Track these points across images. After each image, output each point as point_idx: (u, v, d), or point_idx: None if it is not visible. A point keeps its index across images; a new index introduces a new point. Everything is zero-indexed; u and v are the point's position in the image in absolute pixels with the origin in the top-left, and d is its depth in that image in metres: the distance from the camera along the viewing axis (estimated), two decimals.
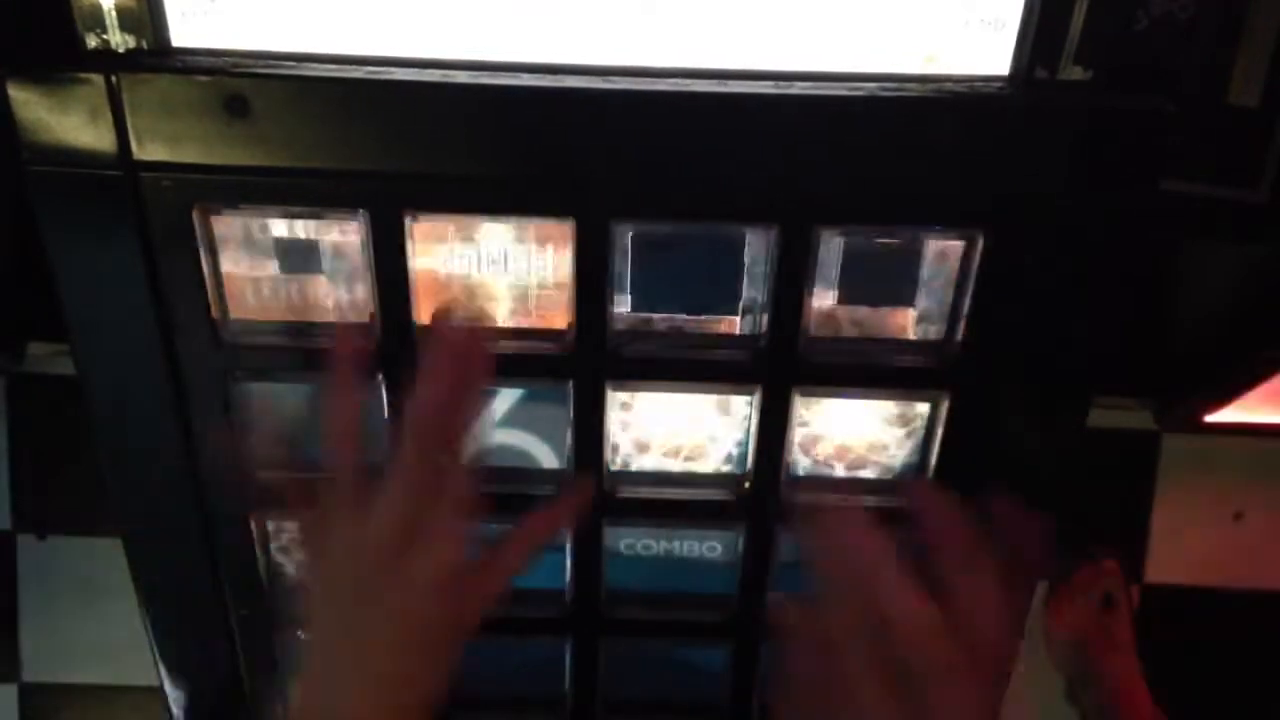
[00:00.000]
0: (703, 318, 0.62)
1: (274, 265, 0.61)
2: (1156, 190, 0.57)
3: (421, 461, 0.54)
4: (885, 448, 0.67)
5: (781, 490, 0.67)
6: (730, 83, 0.55)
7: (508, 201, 0.58)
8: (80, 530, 1.01)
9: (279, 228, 0.60)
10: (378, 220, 0.58)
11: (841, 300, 0.62)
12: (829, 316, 0.62)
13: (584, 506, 0.62)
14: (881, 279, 0.61)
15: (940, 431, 0.64)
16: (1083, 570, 1.25)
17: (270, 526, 0.69)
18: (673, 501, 0.68)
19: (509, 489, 0.67)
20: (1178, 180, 0.63)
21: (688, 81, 0.55)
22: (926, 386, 0.64)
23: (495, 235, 0.60)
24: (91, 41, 0.54)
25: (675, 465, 0.68)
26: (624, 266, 0.60)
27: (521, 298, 0.62)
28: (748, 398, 0.64)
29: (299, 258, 0.61)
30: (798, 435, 0.66)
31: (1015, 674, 0.55)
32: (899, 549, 0.50)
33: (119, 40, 0.54)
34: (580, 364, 0.62)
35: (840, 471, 0.68)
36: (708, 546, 0.71)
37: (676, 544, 0.71)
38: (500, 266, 0.61)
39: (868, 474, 0.68)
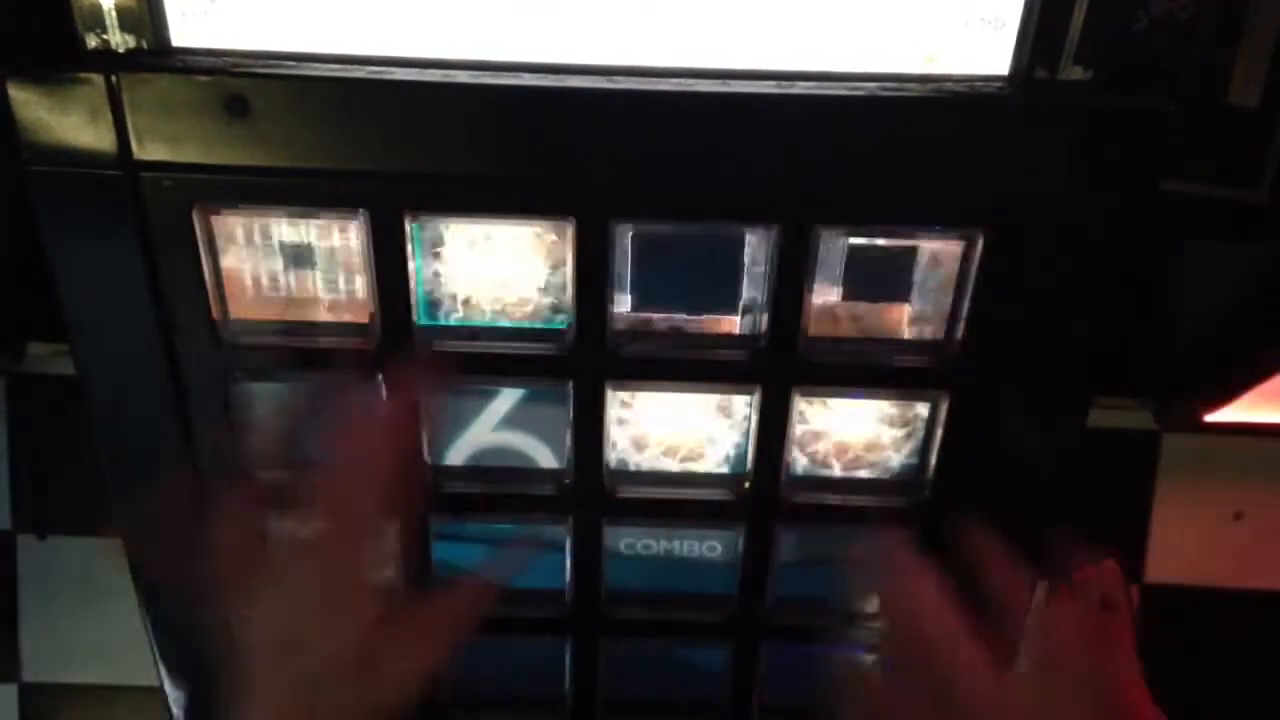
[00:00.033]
0: (703, 318, 0.62)
1: (274, 265, 0.61)
2: (1156, 190, 0.57)
3: (336, 524, 0.55)
4: (885, 448, 0.67)
5: (781, 490, 0.67)
6: (731, 82, 0.55)
7: (508, 201, 0.58)
8: (80, 530, 1.01)
9: (279, 228, 0.60)
10: (378, 220, 0.58)
11: (844, 298, 0.61)
12: (829, 315, 0.62)
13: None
14: (882, 278, 0.61)
15: (940, 431, 0.64)
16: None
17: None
18: (672, 501, 0.68)
19: (509, 489, 0.67)
20: (1178, 180, 0.63)
21: (688, 81, 0.55)
22: (926, 386, 0.64)
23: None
24: (91, 41, 0.54)
25: (675, 465, 0.68)
26: (624, 266, 0.60)
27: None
28: (747, 397, 0.64)
29: (299, 258, 0.61)
30: (797, 435, 0.66)
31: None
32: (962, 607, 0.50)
33: (119, 40, 0.54)
34: (580, 364, 0.62)
35: (839, 471, 0.68)
36: (707, 546, 0.71)
37: (676, 544, 0.71)
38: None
39: (867, 474, 0.68)
